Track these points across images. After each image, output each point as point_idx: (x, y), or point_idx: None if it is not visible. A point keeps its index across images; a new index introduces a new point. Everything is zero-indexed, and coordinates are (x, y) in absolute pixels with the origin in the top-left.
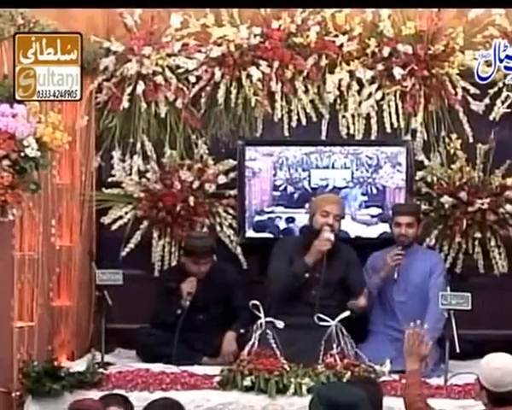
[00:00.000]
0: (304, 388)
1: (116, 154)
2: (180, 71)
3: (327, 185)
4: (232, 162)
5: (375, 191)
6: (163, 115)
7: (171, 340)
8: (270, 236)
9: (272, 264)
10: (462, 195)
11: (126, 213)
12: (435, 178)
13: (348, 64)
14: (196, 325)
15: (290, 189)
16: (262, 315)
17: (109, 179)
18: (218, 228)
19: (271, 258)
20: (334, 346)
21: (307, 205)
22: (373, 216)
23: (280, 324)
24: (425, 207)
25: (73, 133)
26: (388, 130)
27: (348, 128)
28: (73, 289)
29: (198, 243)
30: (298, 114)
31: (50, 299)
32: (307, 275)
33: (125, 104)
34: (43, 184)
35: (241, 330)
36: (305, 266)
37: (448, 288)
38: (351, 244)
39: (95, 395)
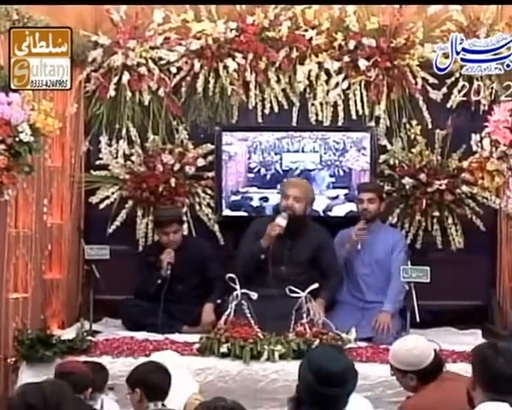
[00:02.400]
0: (276, 354)
1: (103, 139)
2: (162, 62)
3: (297, 168)
4: (210, 146)
5: (341, 173)
6: (146, 103)
7: (153, 310)
8: (245, 214)
9: (241, 243)
10: (422, 176)
11: (113, 193)
12: (397, 161)
13: (317, 56)
14: (176, 296)
15: (263, 171)
16: (238, 287)
17: (97, 162)
18: (198, 207)
19: (242, 237)
20: (304, 315)
21: (279, 186)
22: (340, 195)
23: (254, 295)
24: (387, 188)
25: (64, 120)
26: (354, 117)
27: (317, 115)
28: (64, 264)
29: (162, 213)
30: (270, 102)
31: (43, 272)
32: (263, 256)
33: (112, 93)
34: (36, 167)
35: (218, 301)
36: (259, 249)
37: (409, 262)
38: (319, 222)
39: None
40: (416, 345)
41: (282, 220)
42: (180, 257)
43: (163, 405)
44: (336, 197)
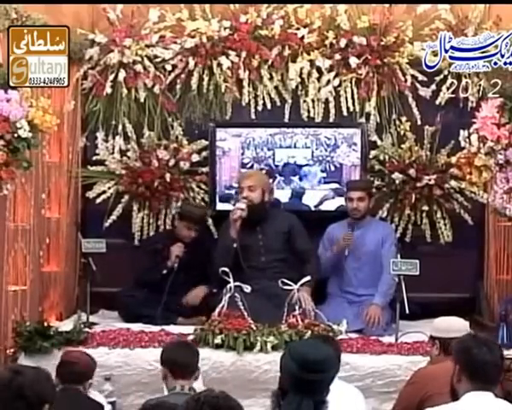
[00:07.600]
0: (269, 345)
1: (100, 135)
2: (157, 60)
3: (289, 163)
4: (204, 142)
5: (333, 169)
6: (142, 100)
7: (149, 301)
8: None
9: (218, 241)
10: (411, 172)
11: (109, 188)
12: (387, 157)
13: (309, 54)
14: (173, 288)
15: (256, 166)
16: (231, 280)
17: (94, 158)
18: (192, 201)
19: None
20: (296, 307)
21: (271, 181)
22: (331, 190)
23: (247, 288)
24: (378, 183)
25: (61, 116)
26: (345, 113)
27: (309, 111)
28: (61, 257)
29: (195, 210)
30: (263, 98)
31: (41, 265)
32: (235, 245)
33: (108, 90)
34: (34, 162)
35: (214, 290)
36: (230, 238)
37: (398, 255)
38: (311, 216)
39: None
40: (452, 317)
41: (241, 204)
42: (186, 251)
43: (191, 388)
44: (334, 190)
